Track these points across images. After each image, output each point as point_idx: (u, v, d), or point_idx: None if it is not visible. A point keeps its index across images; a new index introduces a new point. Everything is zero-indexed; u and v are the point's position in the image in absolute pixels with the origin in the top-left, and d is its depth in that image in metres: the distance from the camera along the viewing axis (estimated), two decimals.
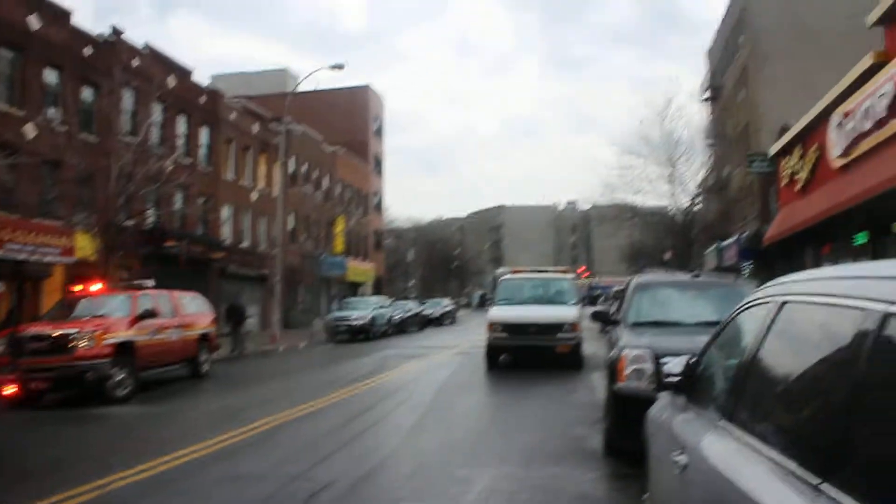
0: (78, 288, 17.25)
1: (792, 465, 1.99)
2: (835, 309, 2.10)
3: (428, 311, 48.57)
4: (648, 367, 7.38)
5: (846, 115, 17.19)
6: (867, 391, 1.78)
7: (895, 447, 1.64)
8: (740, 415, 2.65)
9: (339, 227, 47.19)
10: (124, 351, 14.40)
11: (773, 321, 2.62)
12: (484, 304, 22.17)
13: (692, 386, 3.49)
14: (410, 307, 43.99)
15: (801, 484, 1.89)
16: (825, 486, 1.78)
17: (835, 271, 2.44)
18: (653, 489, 4.09)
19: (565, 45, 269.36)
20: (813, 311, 2.34)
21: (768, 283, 3.11)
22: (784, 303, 2.58)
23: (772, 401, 2.53)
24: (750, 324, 2.94)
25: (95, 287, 16.62)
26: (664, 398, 4.22)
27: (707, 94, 46.24)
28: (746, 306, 3.14)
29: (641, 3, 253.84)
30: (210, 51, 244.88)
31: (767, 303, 2.78)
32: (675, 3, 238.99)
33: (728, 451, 2.55)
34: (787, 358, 2.54)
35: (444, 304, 54.27)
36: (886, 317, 1.77)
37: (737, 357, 2.94)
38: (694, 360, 3.58)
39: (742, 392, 2.70)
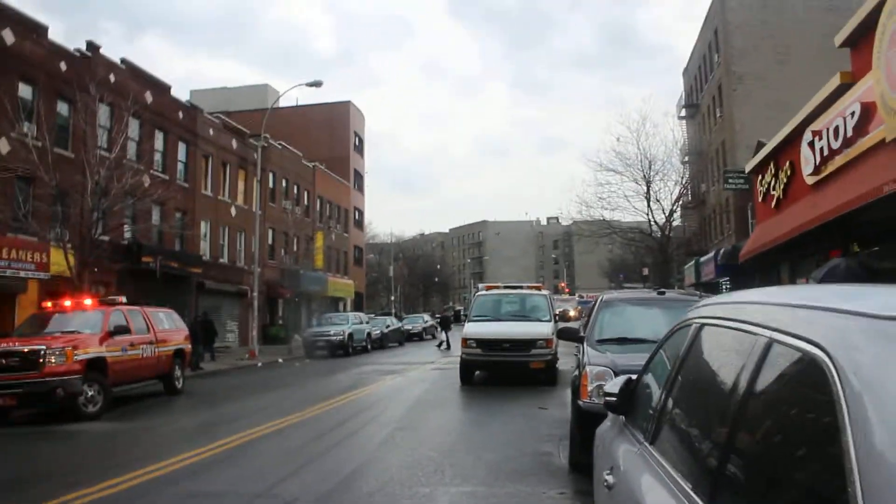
0: (48, 304, 17.12)
1: (687, 487, 2.03)
2: (737, 334, 2.13)
3: (408, 327, 48.58)
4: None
5: (816, 133, 17.43)
6: (747, 417, 1.82)
7: (767, 473, 1.67)
8: (658, 437, 2.69)
9: (319, 242, 47.10)
10: (95, 367, 14.31)
11: (692, 344, 2.65)
12: (459, 319, 22.14)
13: (630, 406, 3.53)
14: (390, 323, 43.94)
15: None
16: None
17: (742, 295, 2.47)
18: None
19: (530, 70, 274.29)
20: (721, 334, 2.37)
21: (697, 304, 3.14)
22: (703, 325, 2.62)
23: (680, 424, 2.56)
24: (676, 346, 2.98)
25: (71, 302, 16.49)
26: (611, 417, 4.26)
27: (683, 113, 46.72)
28: (678, 328, 3.17)
29: (600, 28, 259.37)
30: (182, 70, 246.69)
31: (691, 325, 2.81)
32: (631, 28, 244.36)
33: (644, 473, 2.59)
34: (695, 382, 2.58)
35: (424, 320, 54.25)
36: (770, 343, 1.81)
37: (662, 379, 2.98)
38: (631, 380, 3.62)
39: (662, 414, 2.74)
